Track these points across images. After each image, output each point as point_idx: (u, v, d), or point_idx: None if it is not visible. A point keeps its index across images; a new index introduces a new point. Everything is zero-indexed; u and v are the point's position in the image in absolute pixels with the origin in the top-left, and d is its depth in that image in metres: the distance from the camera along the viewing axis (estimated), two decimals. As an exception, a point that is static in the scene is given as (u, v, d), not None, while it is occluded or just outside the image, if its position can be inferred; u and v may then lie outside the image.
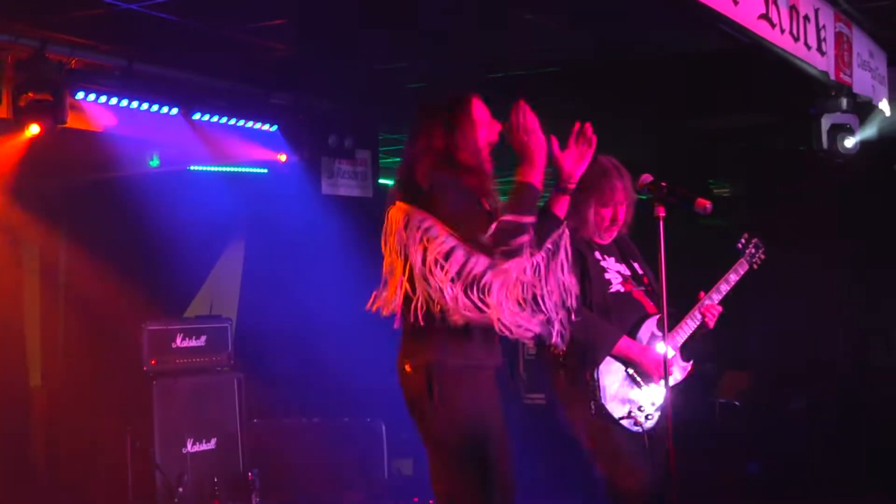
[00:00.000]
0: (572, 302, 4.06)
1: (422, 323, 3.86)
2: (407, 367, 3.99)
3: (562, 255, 4.09)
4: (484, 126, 4.06)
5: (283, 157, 8.46)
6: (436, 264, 3.82)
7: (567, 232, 4.13)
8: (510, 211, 3.85)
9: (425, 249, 3.85)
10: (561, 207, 4.13)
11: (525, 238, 3.85)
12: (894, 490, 7.91)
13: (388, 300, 3.97)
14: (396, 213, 3.96)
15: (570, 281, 4.08)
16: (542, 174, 3.91)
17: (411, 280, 3.88)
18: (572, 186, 4.14)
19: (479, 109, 4.07)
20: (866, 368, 9.15)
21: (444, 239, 3.84)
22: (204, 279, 8.94)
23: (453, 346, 3.91)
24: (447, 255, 3.83)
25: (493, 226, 3.83)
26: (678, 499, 4.09)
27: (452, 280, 3.81)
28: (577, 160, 4.10)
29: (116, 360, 6.94)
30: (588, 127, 4.09)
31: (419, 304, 3.86)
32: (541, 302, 3.97)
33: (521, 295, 3.91)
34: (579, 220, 4.75)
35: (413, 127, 4.12)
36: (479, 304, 3.81)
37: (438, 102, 4.10)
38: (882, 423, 8.69)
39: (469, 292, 3.82)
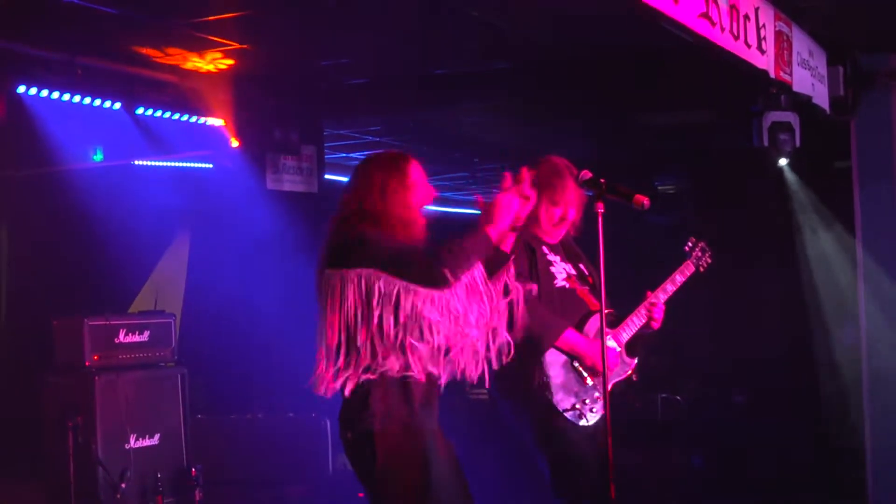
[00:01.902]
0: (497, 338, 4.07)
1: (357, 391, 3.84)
2: (349, 436, 3.93)
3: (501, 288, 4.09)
4: (418, 189, 4.02)
5: (235, 142, 8.39)
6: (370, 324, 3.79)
7: (513, 269, 4.13)
8: (462, 239, 3.81)
9: (356, 315, 3.79)
10: (507, 244, 4.10)
11: (465, 269, 3.80)
12: (835, 484, 8.06)
13: (322, 372, 3.90)
14: (328, 280, 3.88)
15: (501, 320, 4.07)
16: (500, 234, 3.90)
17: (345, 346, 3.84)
18: (518, 225, 4.12)
19: (415, 172, 4.02)
20: (808, 363, 9.27)
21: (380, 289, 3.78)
22: (148, 274, 8.88)
23: (394, 412, 3.85)
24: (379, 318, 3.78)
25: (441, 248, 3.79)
26: (615, 489, 4.13)
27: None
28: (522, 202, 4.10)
29: (59, 355, 6.88)
30: (525, 173, 4.05)
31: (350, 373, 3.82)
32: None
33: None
34: (530, 217, 4.75)
35: (349, 184, 4.06)
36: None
37: (375, 163, 4.05)
38: (824, 418, 8.83)
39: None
